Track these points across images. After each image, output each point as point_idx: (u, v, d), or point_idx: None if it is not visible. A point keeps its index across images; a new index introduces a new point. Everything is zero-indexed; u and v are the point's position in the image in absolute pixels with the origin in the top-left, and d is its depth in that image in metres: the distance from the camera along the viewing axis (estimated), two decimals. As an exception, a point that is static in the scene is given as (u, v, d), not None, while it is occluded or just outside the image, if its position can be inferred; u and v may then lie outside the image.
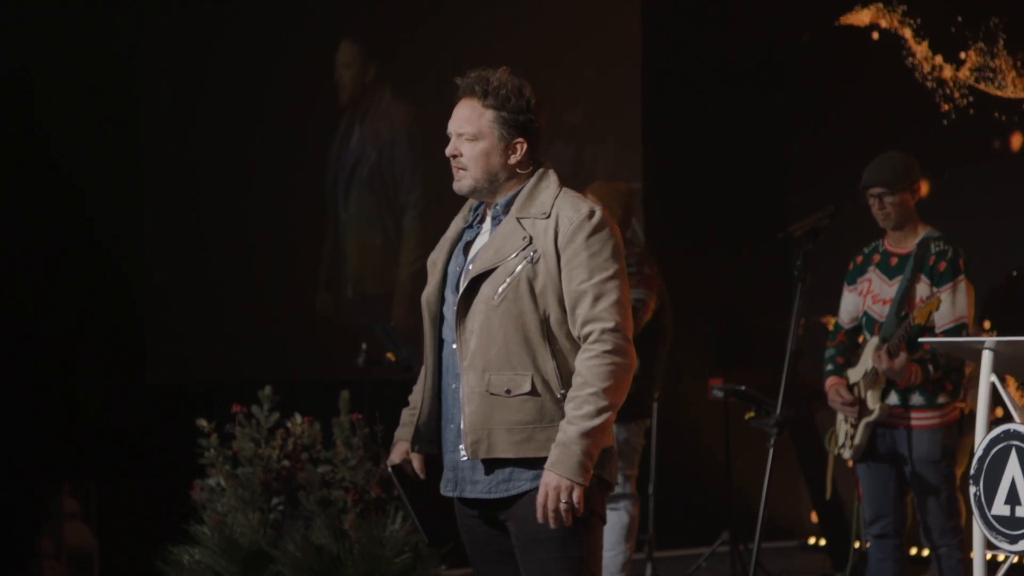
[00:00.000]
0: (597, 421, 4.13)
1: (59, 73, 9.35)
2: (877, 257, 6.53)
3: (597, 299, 4.17)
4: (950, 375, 6.37)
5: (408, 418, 4.49)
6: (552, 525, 4.14)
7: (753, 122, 10.04)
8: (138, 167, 9.96)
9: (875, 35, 9.46)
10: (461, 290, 4.28)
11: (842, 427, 6.56)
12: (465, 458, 4.27)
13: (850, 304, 6.61)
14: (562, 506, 4.12)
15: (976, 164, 8.88)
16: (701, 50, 10.07)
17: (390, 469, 4.49)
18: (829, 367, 6.60)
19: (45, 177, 9.29)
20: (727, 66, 9.97)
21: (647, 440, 8.51)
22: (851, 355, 6.59)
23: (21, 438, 8.76)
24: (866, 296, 6.51)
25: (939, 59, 9.10)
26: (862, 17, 9.58)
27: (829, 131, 9.76)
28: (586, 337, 4.18)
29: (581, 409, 4.13)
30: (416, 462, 4.44)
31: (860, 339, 6.58)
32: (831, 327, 6.78)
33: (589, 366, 4.15)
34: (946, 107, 9.07)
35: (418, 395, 4.46)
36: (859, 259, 6.62)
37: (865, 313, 6.49)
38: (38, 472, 8.61)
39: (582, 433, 4.12)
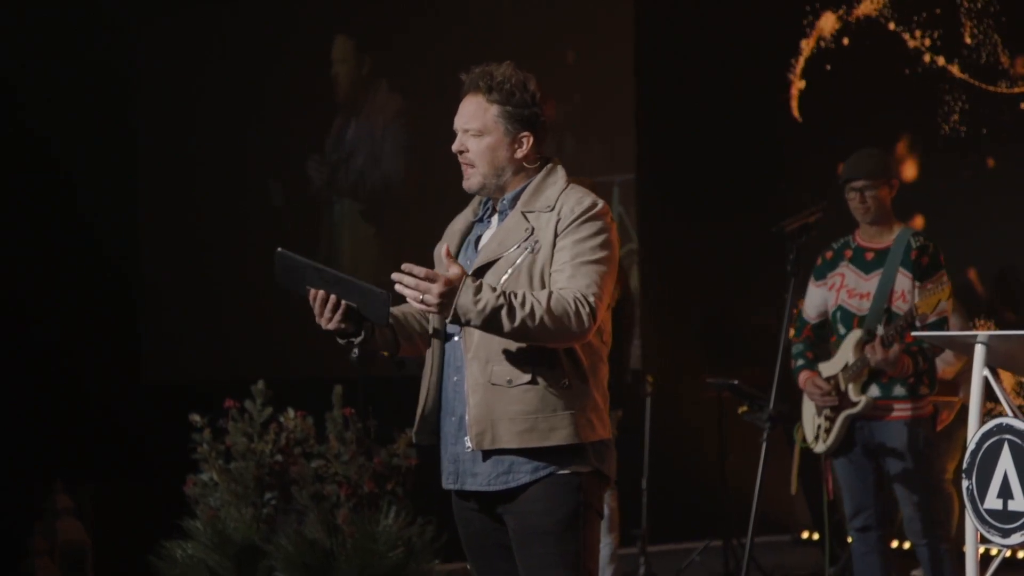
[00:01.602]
0: (517, 322, 4.08)
1: (58, 73, 9.34)
2: (849, 252, 6.56)
3: (572, 277, 4.18)
4: (928, 370, 6.41)
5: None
6: (396, 275, 4.08)
7: (748, 113, 10.05)
8: (134, 165, 9.95)
9: (871, 27, 9.47)
10: (465, 282, 4.28)
11: (813, 421, 6.57)
12: (469, 449, 4.27)
13: (817, 299, 6.64)
14: (421, 285, 4.05)
15: (969, 159, 8.89)
16: (695, 40, 10.07)
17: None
18: (800, 362, 6.62)
19: (42, 175, 9.28)
20: (721, 57, 9.97)
21: (640, 435, 8.52)
22: (819, 350, 6.61)
23: (15, 436, 8.75)
24: (839, 291, 6.52)
25: (941, 59, 9.10)
26: (858, 10, 9.58)
27: (826, 123, 9.78)
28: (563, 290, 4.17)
29: (522, 299, 4.08)
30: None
31: (831, 336, 6.60)
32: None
33: (557, 296, 4.12)
34: (942, 99, 9.08)
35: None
36: (828, 254, 6.65)
37: (839, 307, 6.51)
38: (32, 470, 8.60)
39: (502, 306, 4.07)
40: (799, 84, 10.02)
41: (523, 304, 4.09)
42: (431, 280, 4.07)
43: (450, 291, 4.06)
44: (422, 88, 9.94)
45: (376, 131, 10.51)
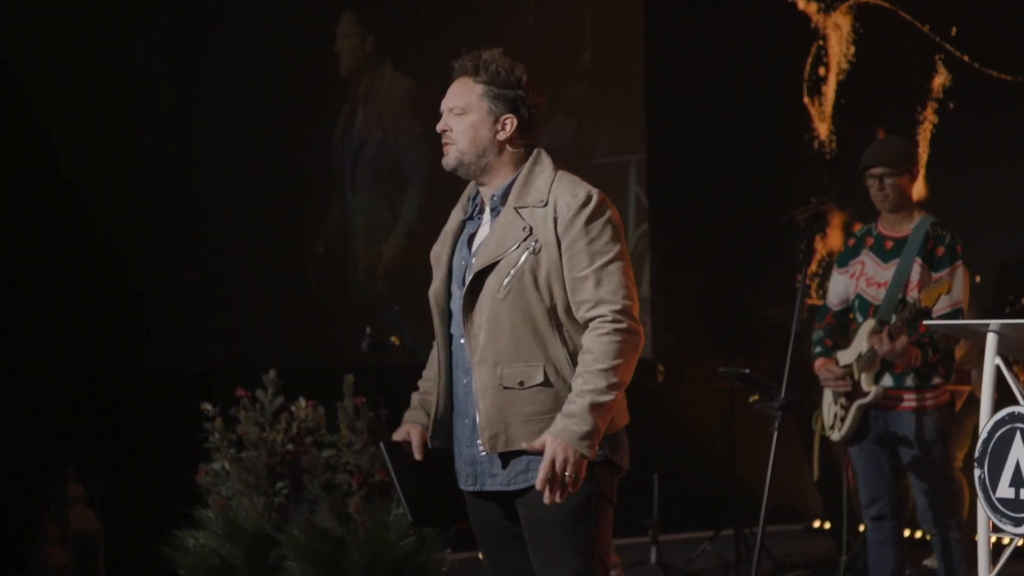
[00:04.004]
0: (607, 397, 4.11)
1: (62, 55, 9.31)
2: (870, 240, 6.54)
3: (599, 283, 4.17)
4: (943, 359, 6.39)
5: (417, 401, 4.49)
6: (548, 497, 4.10)
7: (758, 95, 10.03)
8: (138, 150, 9.92)
9: (883, 15, 9.45)
10: (466, 285, 4.28)
11: (830, 409, 6.57)
12: (483, 453, 4.27)
13: (840, 286, 6.63)
14: (566, 476, 4.09)
15: (974, 148, 8.88)
16: (704, 23, 10.04)
17: (382, 444, 4.46)
18: (818, 349, 6.62)
19: (47, 164, 9.27)
20: (730, 39, 9.95)
21: (651, 425, 8.52)
22: (839, 338, 6.61)
23: (25, 425, 8.76)
24: (859, 279, 6.52)
25: (946, 45, 9.09)
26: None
27: (834, 106, 9.77)
28: (594, 318, 4.18)
29: (591, 384, 4.11)
30: (416, 440, 4.41)
31: (852, 324, 6.60)
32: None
33: (599, 343, 4.14)
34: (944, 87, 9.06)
35: (428, 381, 4.47)
36: (851, 242, 6.65)
37: (858, 296, 6.51)
38: (43, 459, 8.62)
39: (591, 406, 4.09)
40: (809, 68, 10.01)
41: (589, 382, 4.11)
42: (553, 465, 4.08)
43: (566, 455, 4.08)
44: (428, 69, 9.92)
45: (384, 115, 10.50)
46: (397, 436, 4.46)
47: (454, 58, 4.41)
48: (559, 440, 4.09)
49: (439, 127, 4.36)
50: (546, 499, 4.11)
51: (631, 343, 4.17)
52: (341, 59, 10.56)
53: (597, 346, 4.14)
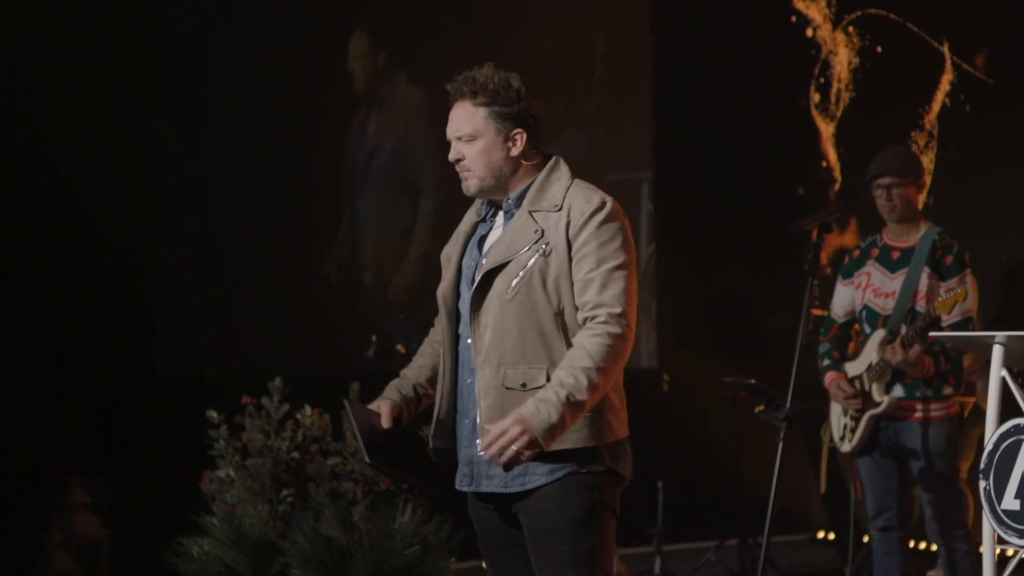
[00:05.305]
0: (584, 396, 4.11)
1: (68, 71, 9.34)
2: (876, 251, 6.55)
3: (604, 286, 4.18)
4: (953, 369, 6.40)
5: (394, 384, 4.49)
6: (487, 456, 4.09)
7: (766, 110, 10.03)
8: (148, 156, 9.93)
9: (891, 23, 9.45)
10: (474, 285, 4.29)
11: (839, 420, 6.57)
12: (481, 453, 4.27)
13: (845, 298, 6.64)
14: (509, 451, 4.07)
15: (981, 156, 8.88)
16: (713, 36, 10.05)
17: (346, 400, 4.47)
18: (826, 362, 6.62)
19: (53, 167, 9.28)
20: (739, 52, 9.95)
21: (657, 435, 8.51)
22: (845, 349, 6.61)
23: (31, 431, 8.77)
24: (865, 290, 6.53)
25: (956, 55, 9.09)
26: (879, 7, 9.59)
27: (841, 120, 9.77)
28: (591, 319, 4.18)
29: (572, 379, 4.10)
30: (385, 410, 4.40)
31: (857, 334, 6.60)
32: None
33: (590, 342, 4.15)
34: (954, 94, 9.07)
35: (414, 369, 4.48)
36: (856, 253, 6.66)
37: (865, 306, 6.52)
38: (47, 464, 8.62)
39: (567, 400, 4.08)
40: (816, 83, 10.01)
41: (576, 378, 4.10)
42: (506, 433, 4.06)
43: (524, 428, 4.06)
44: (441, 80, 9.91)
45: (397, 124, 10.51)
46: (372, 405, 4.48)
47: (447, 83, 4.42)
48: (523, 418, 4.07)
49: (452, 157, 4.37)
50: (480, 449, 4.13)
51: (620, 349, 4.16)
52: (355, 79, 10.57)
53: (587, 344, 4.15)
